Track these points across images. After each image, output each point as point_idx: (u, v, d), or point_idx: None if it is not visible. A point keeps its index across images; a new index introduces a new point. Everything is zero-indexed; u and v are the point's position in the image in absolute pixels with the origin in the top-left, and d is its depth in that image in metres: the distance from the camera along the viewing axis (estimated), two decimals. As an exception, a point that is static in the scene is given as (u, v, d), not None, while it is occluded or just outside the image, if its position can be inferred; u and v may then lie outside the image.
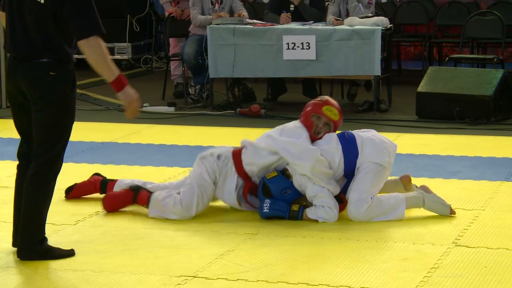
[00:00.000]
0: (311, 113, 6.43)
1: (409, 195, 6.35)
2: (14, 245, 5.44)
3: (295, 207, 6.24)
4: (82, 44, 5.04)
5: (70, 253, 5.47)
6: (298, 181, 6.23)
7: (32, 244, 5.33)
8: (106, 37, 5.24)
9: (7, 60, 5.41)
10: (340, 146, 6.29)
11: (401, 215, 6.24)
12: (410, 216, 6.33)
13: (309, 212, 6.20)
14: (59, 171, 5.32)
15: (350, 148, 6.30)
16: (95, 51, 5.06)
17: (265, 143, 6.40)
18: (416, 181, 7.24)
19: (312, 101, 6.60)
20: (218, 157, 6.39)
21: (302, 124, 6.45)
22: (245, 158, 6.37)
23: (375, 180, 6.23)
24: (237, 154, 6.39)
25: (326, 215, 6.14)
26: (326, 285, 4.97)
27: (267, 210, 6.22)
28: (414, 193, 6.38)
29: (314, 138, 6.38)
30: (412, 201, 6.31)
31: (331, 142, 6.33)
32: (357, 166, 6.27)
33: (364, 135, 6.42)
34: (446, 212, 6.33)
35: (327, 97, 6.62)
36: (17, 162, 5.42)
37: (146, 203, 6.33)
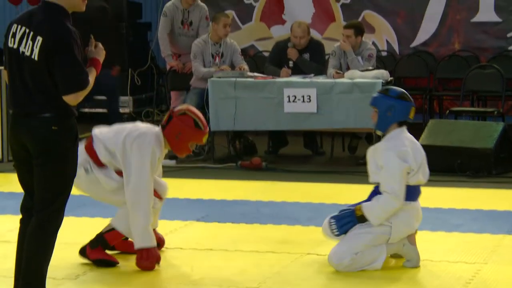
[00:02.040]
0: None
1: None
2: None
3: (358, 212, 6.34)
4: (65, 99, 5.02)
5: None
6: None
7: None
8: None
9: (10, 117, 5.41)
10: None
11: (378, 266, 6.29)
12: (413, 272, 6.32)
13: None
14: (60, 225, 5.28)
15: None
16: (79, 100, 5.08)
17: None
18: (418, 234, 7.23)
19: None
20: None
21: None
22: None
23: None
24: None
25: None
26: None
27: (337, 231, 6.34)
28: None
29: None
30: (393, 246, 6.34)
31: None
32: None
33: None
34: (417, 264, 6.38)
35: None
36: (20, 216, 5.36)
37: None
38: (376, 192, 6.40)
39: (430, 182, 9.25)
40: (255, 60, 12.90)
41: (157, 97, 14.22)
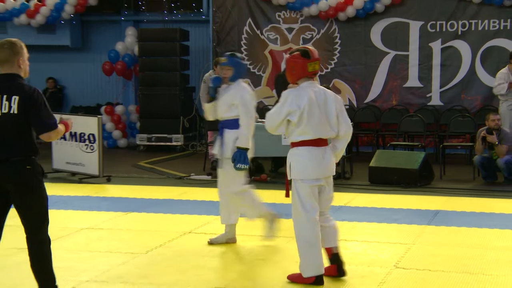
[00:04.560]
0: None
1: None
2: None
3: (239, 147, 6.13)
4: (44, 137, 4.52)
5: None
6: None
7: None
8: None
9: None
10: None
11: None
12: (365, 246, 6.29)
13: None
14: (50, 242, 4.65)
15: None
16: (54, 138, 4.60)
17: None
18: (369, 226, 7.19)
19: None
20: None
21: None
22: None
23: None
24: None
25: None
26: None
27: (244, 165, 6.10)
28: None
29: None
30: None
31: None
32: None
33: None
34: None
35: None
36: None
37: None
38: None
39: (379, 190, 9.31)
40: (263, 111, 12.90)
41: (199, 134, 14.28)
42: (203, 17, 14.66)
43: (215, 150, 6.47)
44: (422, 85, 13.02)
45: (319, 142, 5.17)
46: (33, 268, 4.61)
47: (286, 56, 5.37)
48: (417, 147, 10.90)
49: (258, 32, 13.75)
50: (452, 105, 12.78)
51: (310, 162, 5.14)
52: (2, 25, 14.78)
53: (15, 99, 4.42)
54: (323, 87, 5.32)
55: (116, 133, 14.44)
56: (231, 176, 6.27)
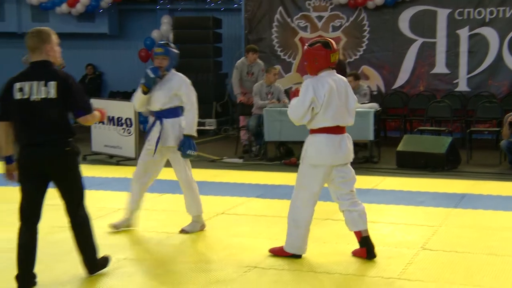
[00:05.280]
0: None
1: None
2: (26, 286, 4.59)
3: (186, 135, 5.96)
4: (81, 120, 4.59)
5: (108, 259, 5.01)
6: None
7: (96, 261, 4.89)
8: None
9: (23, 150, 4.53)
10: None
11: None
12: (392, 228, 6.23)
13: None
14: (89, 217, 4.79)
15: None
16: (90, 122, 4.66)
17: None
18: (396, 208, 7.14)
19: None
20: None
21: None
22: None
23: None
24: None
25: None
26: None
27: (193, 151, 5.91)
28: None
29: None
30: None
31: None
32: None
33: None
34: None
35: None
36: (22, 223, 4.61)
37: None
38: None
39: (407, 174, 9.23)
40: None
41: (231, 119, 14.28)
42: (235, 5, 14.61)
43: (150, 141, 6.06)
44: (449, 72, 12.83)
45: (337, 130, 5.16)
46: (76, 242, 4.72)
47: (305, 48, 5.26)
48: (444, 132, 10.76)
49: (289, 20, 13.66)
50: (479, 91, 12.58)
51: (327, 149, 5.12)
52: (44, 13, 14.91)
53: (52, 84, 4.46)
54: (341, 76, 5.27)
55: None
56: (177, 164, 6.09)
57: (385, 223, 6.47)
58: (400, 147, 9.88)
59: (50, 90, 4.45)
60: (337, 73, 5.32)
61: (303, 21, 13.59)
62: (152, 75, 5.98)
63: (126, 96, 14.56)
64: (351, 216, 5.24)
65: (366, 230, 5.30)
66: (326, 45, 5.11)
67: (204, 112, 13.85)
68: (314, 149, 5.17)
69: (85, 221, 4.71)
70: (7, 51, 15.25)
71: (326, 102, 5.05)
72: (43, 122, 4.46)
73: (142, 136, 11.08)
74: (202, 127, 13.73)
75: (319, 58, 5.10)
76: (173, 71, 6.14)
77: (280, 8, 13.68)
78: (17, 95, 4.46)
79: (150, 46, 14.47)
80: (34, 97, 4.44)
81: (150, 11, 15.35)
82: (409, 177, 9.03)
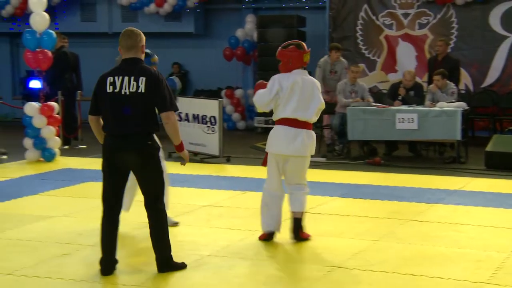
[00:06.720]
0: None
1: None
2: (108, 272, 4.78)
3: None
4: (164, 116, 4.68)
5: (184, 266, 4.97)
6: None
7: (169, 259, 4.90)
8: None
9: (108, 140, 4.74)
10: None
11: None
12: (480, 231, 6.03)
13: None
14: (166, 212, 4.89)
15: None
16: (171, 122, 4.69)
17: None
18: (484, 210, 6.90)
19: None
20: None
21: None
22: None
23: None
24: None
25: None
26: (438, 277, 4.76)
27: None
28: None
29: None
30: None
31: None
32: None
33: None
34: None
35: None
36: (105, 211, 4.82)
37: None
38: None
39: (496, 175, 8.91)
40: (377, 95, 12.65)
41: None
42: (320, 3, 14.52)
43: None
44: (541, 70, 12.33)
45: (295, 123, 5.49)
46: (152, 234, 4.82)
47: (279, 49, 5.66)
48: (535, 132, 10.36)
49: (374, 17, 13.47)
50: None
51: (281, 139, 5.49)
52: (133, 14, 15.30)
53: (143, 79, 4.64)
54: (311, 77, 5.71)
55: (236, 116, 14.62)
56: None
57: (473, 226, 6.26)
58: (489, 147, 9.56)
59: (140, 85, 4.63)
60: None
61: (389, 18, 13.36)
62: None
63: (211, 94, 14.74)
64: (291, 197, 5.70)
65: (299, 213, 5.68)
66: (299, 46, 5.63)
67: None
68: (271, 138, 5.59)
69: (162, 215, 4.79)
70: (99, 50, 15.73)
71: (288, 94, 5.48)
72: (129, 115, 4.63)
73: (226, 134, 11.23)
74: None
75: (293, 59, 5.59)
76: None
77: (365, 6, 13.51)
78: (109, 88, 4.67)
79: (234, 44, 14.60)
80: (124, 90, 4.63)
81: (235, 10, 15.46)
82: (499, 178, 8.72)
